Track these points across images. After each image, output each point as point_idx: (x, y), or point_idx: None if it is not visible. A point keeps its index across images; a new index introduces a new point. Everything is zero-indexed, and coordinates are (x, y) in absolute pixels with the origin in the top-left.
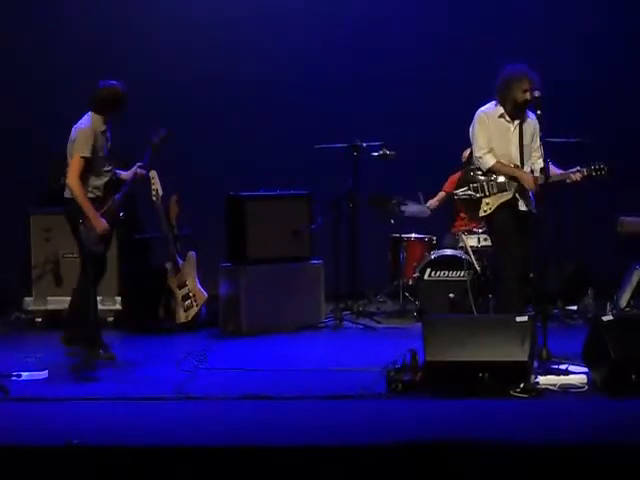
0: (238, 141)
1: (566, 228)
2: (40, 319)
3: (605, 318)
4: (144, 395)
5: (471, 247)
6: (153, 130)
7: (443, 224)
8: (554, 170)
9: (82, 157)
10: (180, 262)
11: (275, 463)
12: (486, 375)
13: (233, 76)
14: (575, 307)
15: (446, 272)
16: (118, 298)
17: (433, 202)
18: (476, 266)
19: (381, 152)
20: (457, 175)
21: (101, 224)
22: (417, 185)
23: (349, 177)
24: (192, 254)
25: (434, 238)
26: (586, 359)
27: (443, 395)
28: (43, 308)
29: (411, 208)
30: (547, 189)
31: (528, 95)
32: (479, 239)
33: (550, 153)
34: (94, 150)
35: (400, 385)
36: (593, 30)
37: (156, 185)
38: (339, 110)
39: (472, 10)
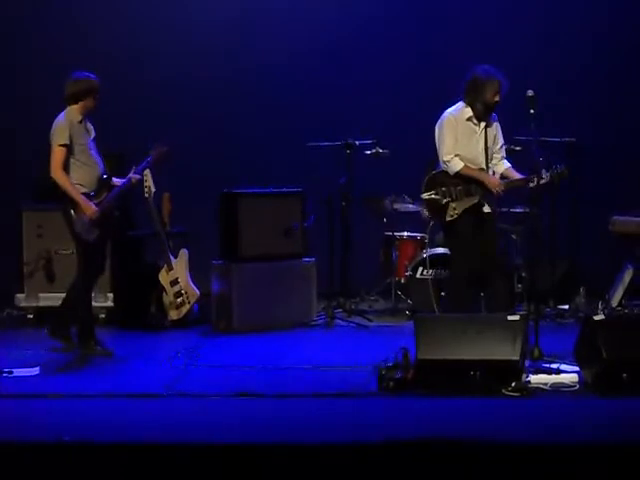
0: (231, 139)
1: (559, 228)
2: (32, 315)
3: (597, 317)
4: (135, 392)
5: None
6: (154, 142)
7: (436, 222)
8: (515, 174)
9: (60, 145)
10: (172, 259)
11: (266, 461)
12: (478, 373)
13: (227, 74)
14: (567, 306)
15: (438, 270)
16: (110, 295)
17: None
18: None
19: (374, 150)
20: None
21: (90, 208)
22: (410, 183)
23: (342, 175)
24: (184, 251)
25: (426, 236)
26: (577, 358)
27: (435, 393)
28: (35, 305)
29: (403, 207)
30: (538, 190)
31: (498, 97)
32: None
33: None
34: (72, 139)
35: (392, 383)
36: (581, 30)
37: (149, 182)
38: (332, 108)
39: (467, 9)
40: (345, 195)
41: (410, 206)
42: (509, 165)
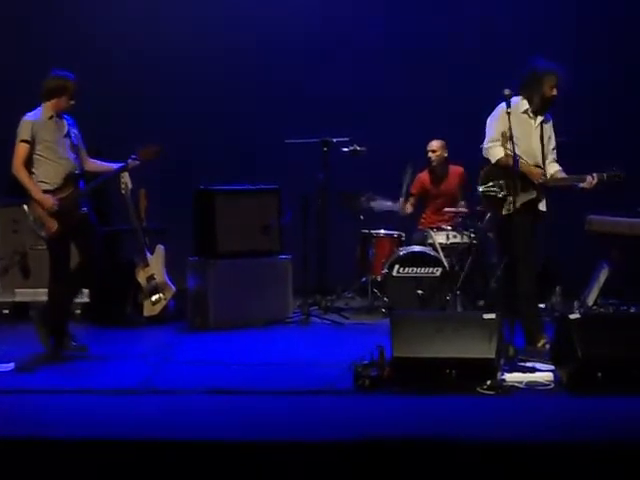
0: (208, 135)
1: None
2: (7, 311)
3: (572, 316)
4: (110, 388)
5: (440, 244)
6: (144, 142)
7: (412, 221)
8: (562, 174)
9: (21, 141)
10: (148, 255)
11: (241, 458)
12: (453, 372)
13: (203, 72)
14: (543, 305)
15: (414, 268)
16: (86, 291)
17: (408, 207)
18: (445, 263)
19: (351, 148)
20: (424, 174)
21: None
22: (387, 181)
23: (319, 172)
24: (160, 247)
25: (403, 234)
26: (553, 357)
27: (410, 391)
28: (10, 300)
29: (381, 204)
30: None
31: (555, 91)
32: (448, 236)
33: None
34: (37, 135)
35: (367, 381)
36: (570, 28)
37: (125, 178)
38: (310, 105)
39: (444, 6)
40: (322, 192)
41: (387, 204)
42: (560, 168)
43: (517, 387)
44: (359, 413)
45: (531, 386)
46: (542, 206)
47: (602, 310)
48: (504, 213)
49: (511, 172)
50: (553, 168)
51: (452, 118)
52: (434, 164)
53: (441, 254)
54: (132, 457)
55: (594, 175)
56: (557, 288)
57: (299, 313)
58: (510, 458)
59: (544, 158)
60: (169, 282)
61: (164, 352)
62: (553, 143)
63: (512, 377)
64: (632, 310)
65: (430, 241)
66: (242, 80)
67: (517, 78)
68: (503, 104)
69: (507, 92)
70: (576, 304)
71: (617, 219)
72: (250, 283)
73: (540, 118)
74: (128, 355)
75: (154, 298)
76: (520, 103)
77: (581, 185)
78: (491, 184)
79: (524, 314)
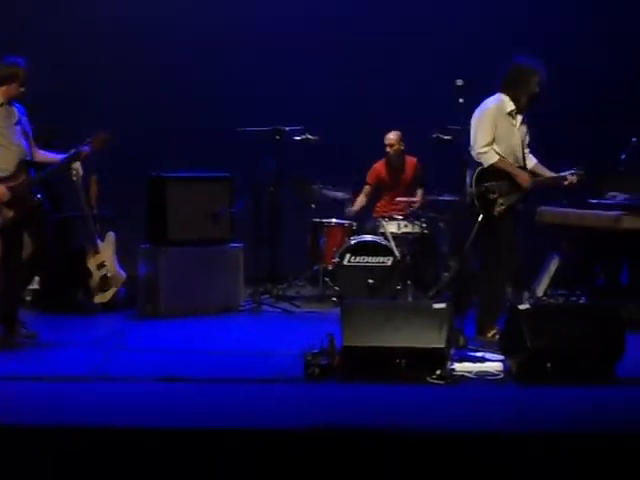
0: (161, 122)
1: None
2: None
3: (522, 307)
4: (61, 375)
5: (391, 233)
6: (94, 129)
7: (364, 210)
8: (544, 170)
9: None
10: (99, 242)
11: (192, 445)
12: (403, 361)
13: (157, 58)
14: None
15: (365, 258)
16: (36, 278)
17: (360, 201)
18: (396, 252)
19: (303, 136)
20: (380, 163)
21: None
22: (339, 170)
23: (271, 161)
24: (111, 234)
25: (354, 224)
26: (502, 347)
27: (360, 380)
28: None
29: (332, 194)
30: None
31: (538, 88)
32: (399, 225)
33: None
34: None
35: (317, 370)
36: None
37: (76, 165)
38: (263, 93)
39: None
40: (274, 181)
41: (338, 193)
42: (536, 160)
43: (467, 377)
44: (309, 402)
45: (481, 376)
46: (519, 206)
47: (552, 301)
48: (495, 214)
49: (502, 174)
50: (531, 162)
51: (407, 109)
52: (391, 156)
53: (392, 243)
54: (83, 444)
55: (574, 171)
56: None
57: (250, 301)
58: (458, 448)
59: (524, 156)
60: (120, 269)
61: (115, 339)
62: (528, 137)
63: (462, 367)
64: (581, 301)
65: (382, 230)
66: (195, 67)
67: (498, 76)
68: (491, 105)
69: (460, 83)
70: (526, 294)
71: (567, 210)
72: (201, 271)
73: (520, 117)
74: (79, 342)
75: (105, 285)
76: (506, 103)
77: (565, 183)
78: (487, 185)
79: (480, 304)
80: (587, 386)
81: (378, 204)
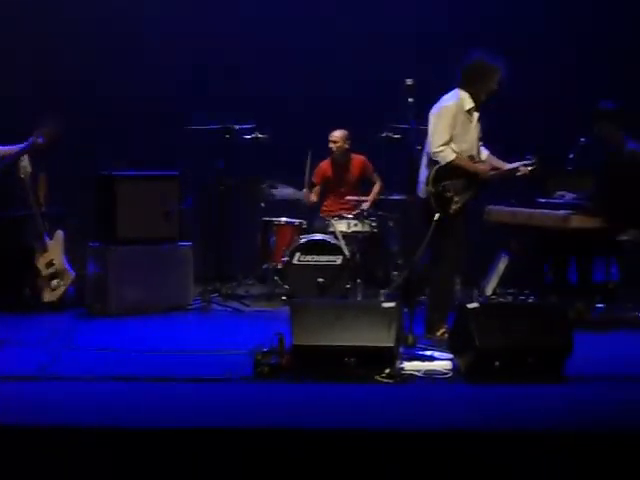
0: (110, 120)
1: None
2: None
3: (470, 306)
4: (9, 374)
5: (341, 232)
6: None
7: (314, 209)
8: (496, 161)
9: None
10: (47, 241)
11: (141, 445)
12: (352, 360)
13: (106, 55)
14: None
15: (315, 256)
16: None
17: (312, 197)
18: (345, 251)
19: (253, 135)
20: (325, 163)
21: None
22: (289, 169)
23: (221, 159)
24: (60, 233)
25: (304, 222)
26: (451, 346)
27: (309, 379)
28: None
29: (282, 192)
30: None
31: (497, 86)
32: (349, 224)
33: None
34: None
35: (267, 369)
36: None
37: (25, 162)
38: (213, 91)
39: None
40: (223, 179)
41: (289, 191)
42: (488, 152)
43: (415, 375)
44: (258, 401)
45: (429, 375)
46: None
47: (501, 299)
48: (451, 213)
49: (459, 172)
50: (483, 154)
51: (354, 107)
52: (335, 154)
53: (342, 242)
54: (30, 444)
55: (527, 162)
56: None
57: (199, 300)
58: (406, 446)
59: (478, 152)
60: (69, 267)
61: (63, 338)
62: (481, 133)
63: (411, 365)
64: (530, 300)
65: (331, 229)
66: (145, 64)
67: (455, 72)
68: (450, 102)
69: (409, 82)
70: (475, 293)
71: (516, 209)
72: (150, 269)
73: (477, 114)
74: (27, 341)
75: (53, 284)
76: (465, 100)
77: (518, 174)
78: (445, 184)
79: (430, 302)
80: (535, 384)
81: (325, 203)
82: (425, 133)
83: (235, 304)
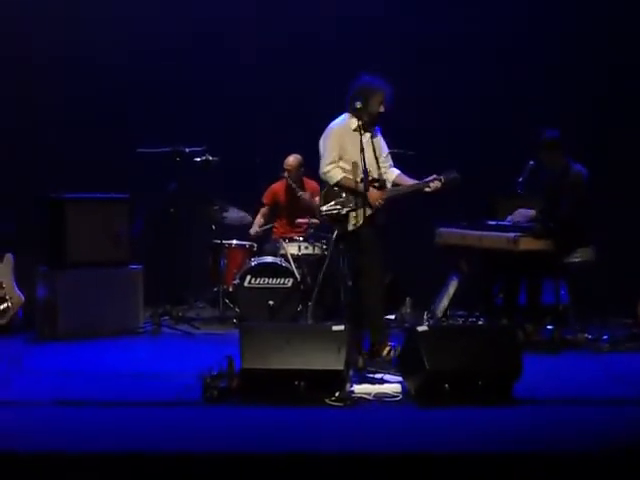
0: (60, 143)
1: (384, 237)
2: None
3: (420, 328)
4: None
5: (292, 255)
6: None
7: (264, 231)
8: (407, 180)
9: None
10: None
11: (87, 470)
12: (302, 383)
13: (55, 76)
14: (393, 316)
15: (266, 279)
16: None
17: (258, 221)
18: (296, 274)
19: (204, 158)
20: (278, 185)
21: None
22: (240, 191)
23: (172, 182)
24: (9, 256)
25: (255, 245)
26: (401, 368)
27: (259, 403)
28: None
29: (232, 215)
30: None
31: (382, 108)
32: (300, 247)
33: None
34: None
35: (216, 392)
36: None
37: None
38: (164, 114)
39: (312, 10)
40: (174, 202)
41: (239, 214)
42: (399, 172)
43: (365, 399)
44: (206, 425)
45: (379, 398)
46: (379, 220)
47: (451, 322)
48: (350, 229)
49: (353, 189)
50: (392, 174)
51: (309, 131)
52: (288, 180)
53: (292, 265)
54: None
55: (435, 178)
56: (407, 299)
57: (150, 323)
58: (355, 470)
59: (380, 170)
60: (18, 291)
61: (12, 362)
62: (385, 151)
63: (361, 389)
64: (480, 322)
65: (282, 252)
66: (96, 86)
67: (345, 95)
68: (334, 126)
69: (359, 105)
70: (426, 315)
71: (466, 232)
72: (100, 293)
73: (369, 134)
74: None
75: (2, 307)
76: (350, 121)
77: (426, 190)
78: (333, 203)
79: (370, 326)
80: (485, 407)
81: (276, 224)
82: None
83: (185, 327)
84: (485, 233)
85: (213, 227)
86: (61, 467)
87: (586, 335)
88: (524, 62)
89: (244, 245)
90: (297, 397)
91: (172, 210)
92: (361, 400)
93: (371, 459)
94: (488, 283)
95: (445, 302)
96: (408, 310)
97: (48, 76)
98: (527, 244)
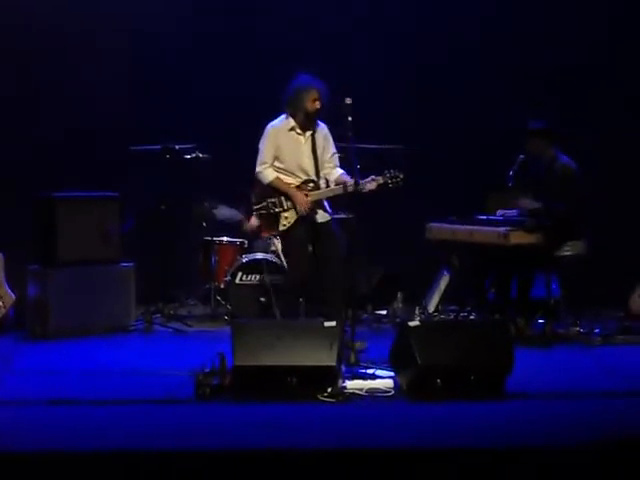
0: (50, 140)
1: (375, 233)
2: None
3: (411, 323)
4: None
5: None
6: None
7: (258, 227)
8: (347, 180)
9: None
10: None
11: (82, 468)
12: (294, 379)
13: (45, 73)
14: (384, 311)
15: (257, 276)
16: None
17: (253, 222)
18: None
19: (194, 155)
20: None
21: None
22: (231, 189)
23: (162, 179)
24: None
25: (246, 242)
26: (393, 363)
27: (251, 399)
28: None
29: (223, 212)
30: (350, 199)
31: (318, 104)
32: None
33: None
34: None
35: (208, 389)
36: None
37: None
38: (154, 112)
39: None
40: (165, 199)
41: (229, 212)
42: (342, 172)
43: (358, 394)
44: (199, 422)
45: (371, 393)
46: (320, 217)
47: (443, 317)
48: (281, 229)
49: (284, 191)
50: (335, 175)
51: None
52: None
53: (284, 261)
54: None
55: (373, 179)
56: (398, 294)
57: (142, 321)
58: (349, 465)
59: (318, 171)
60: (9, 290)
61: (3, 362)
62: (331, 151)
63: (353, 384)
64: (472, 316)
65: (273, 248)
66: (85, 82)
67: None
68: (270, 127)
69: (348, 101)
70: (417, 310)
71: (456, 226)
72: (91, 291)
73: (309, 132)
74: None
75: None
76: (285, 121)
77: (364, 190)
78: (264, 203)
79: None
80: (477, 401)
81: None
82: (364, 151)
83: (177, 324)
84: (476, 228)
85: (204, 224)
86: (53, 466)
87: (578, 329)
88: (516, 59)
89: (235, 242)
90: (289, 393)
91: (163, 208)
92: (353, 396)
93: (364, 454)
94: (479, 278)
95: (436, 297)
96: (399, 305)
97: (40, 75)
98: (518, 238)
